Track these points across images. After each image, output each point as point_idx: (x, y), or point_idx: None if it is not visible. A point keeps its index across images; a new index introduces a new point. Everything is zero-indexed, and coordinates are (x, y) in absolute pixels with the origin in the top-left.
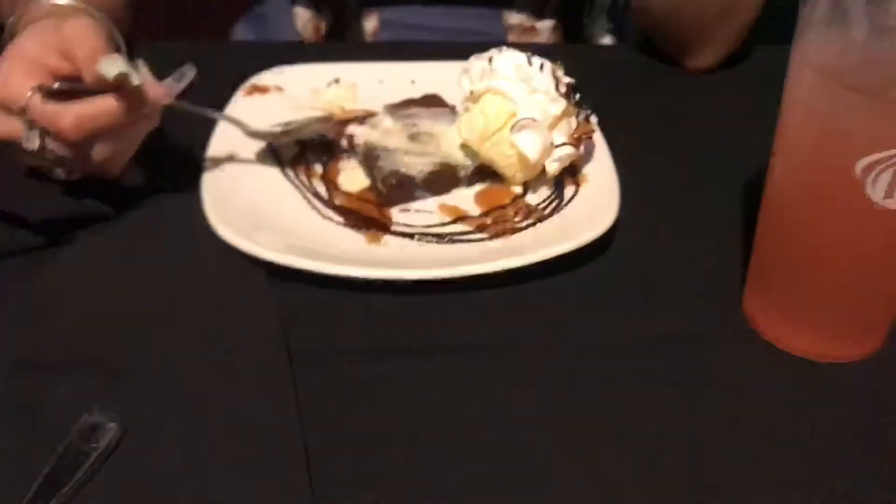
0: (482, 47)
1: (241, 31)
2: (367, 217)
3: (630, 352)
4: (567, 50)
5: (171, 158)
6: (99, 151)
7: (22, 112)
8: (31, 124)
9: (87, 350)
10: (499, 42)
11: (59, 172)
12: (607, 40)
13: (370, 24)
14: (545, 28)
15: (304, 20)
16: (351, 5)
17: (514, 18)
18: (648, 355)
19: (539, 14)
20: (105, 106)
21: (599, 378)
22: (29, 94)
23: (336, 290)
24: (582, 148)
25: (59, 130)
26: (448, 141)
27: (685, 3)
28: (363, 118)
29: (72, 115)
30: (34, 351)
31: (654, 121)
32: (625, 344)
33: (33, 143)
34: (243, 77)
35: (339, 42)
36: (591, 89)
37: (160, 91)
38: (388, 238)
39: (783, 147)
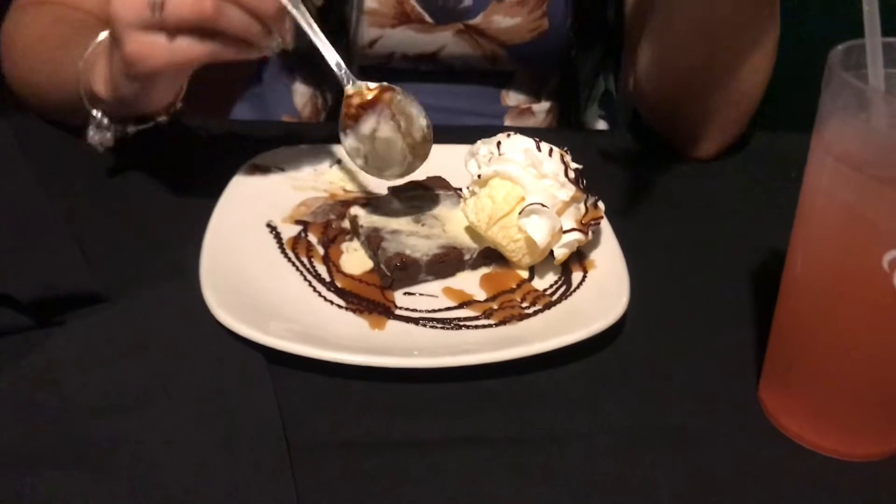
0: (483, 131)
1: (241, 111)
2: (370, 300)
3: (644, 445)
4: (568, 136)
5: (168, 237)
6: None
7: None
8: None
9: (73, 440)
10: (496, 124)
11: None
12: (601, 126)
13: None
14: (541, 110)
15: (303, 98)
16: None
17: (512, 99)
18: (664, 450)
19: (536, 96)
20: None
21: (613, 473)
22: None
23: (338, 377)
24: (590, 233)
25: None
26: (453, 223)
27: (686, 96)
28: (366, 199)
29: None
30: (16, 441)
31: (658, 207)
32: (639, 437)
33: None
34: (244, 156)
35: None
36: (594, 175)
37: None
38: (391, 323)
39: (802, 236)
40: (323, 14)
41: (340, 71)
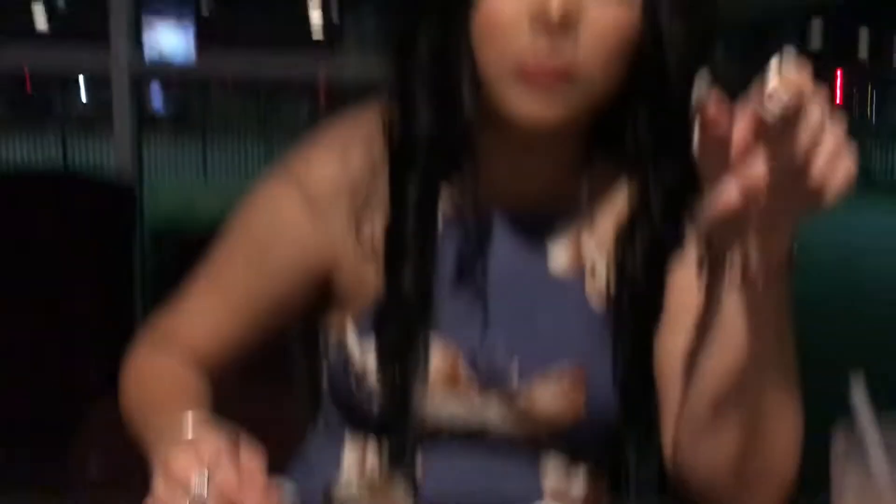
0: None
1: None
2: None
3: None
4: None
5: None
6: None
7: None
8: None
9: None
10: None
11: None
12: None
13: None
14: (578, 495)
15: (350, 459)
16: (410, 448)
17: (550, 480)
18: None
19: (572, 479)
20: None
21: None
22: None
23: None
24: None
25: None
26: None
27: (722, 471)
28: None
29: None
30: None
31: None
32: None
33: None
34: None
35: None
36: None
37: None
38: None
39: None
40: (387, 386)
41: None
